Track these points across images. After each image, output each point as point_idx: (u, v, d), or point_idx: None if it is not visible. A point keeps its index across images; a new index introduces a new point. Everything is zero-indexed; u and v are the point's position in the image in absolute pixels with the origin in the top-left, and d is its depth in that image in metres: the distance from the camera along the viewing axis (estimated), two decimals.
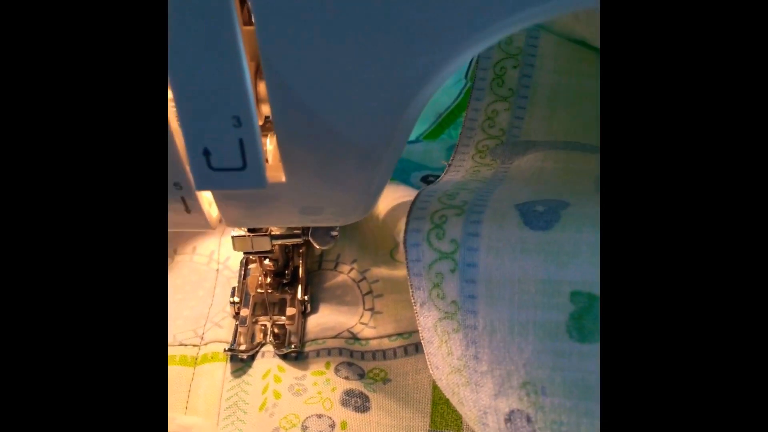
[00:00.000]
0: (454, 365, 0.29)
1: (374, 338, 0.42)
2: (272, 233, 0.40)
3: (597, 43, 0.38)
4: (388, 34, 0.20)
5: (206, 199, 0.27)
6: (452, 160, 0.39)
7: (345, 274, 0.46)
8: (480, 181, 0.34)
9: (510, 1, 0.19)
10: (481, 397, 0.29)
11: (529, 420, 0.27)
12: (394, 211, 0.47)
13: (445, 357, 0.29)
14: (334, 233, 0.40)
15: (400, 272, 0.45)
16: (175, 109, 0.21)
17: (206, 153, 0.22)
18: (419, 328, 0.30)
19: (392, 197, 0.48)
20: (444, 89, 0.55)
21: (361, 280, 0.45)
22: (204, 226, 0.27)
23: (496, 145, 0.38)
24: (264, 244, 0.40)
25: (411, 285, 0.29)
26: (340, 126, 0.23)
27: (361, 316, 0.43)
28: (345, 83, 0.22)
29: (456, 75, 0.55)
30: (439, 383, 0.30)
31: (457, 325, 0.28)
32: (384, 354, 0.41)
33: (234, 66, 0.20)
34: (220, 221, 0.29)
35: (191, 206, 0.26)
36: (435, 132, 0.54)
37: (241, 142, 0.22)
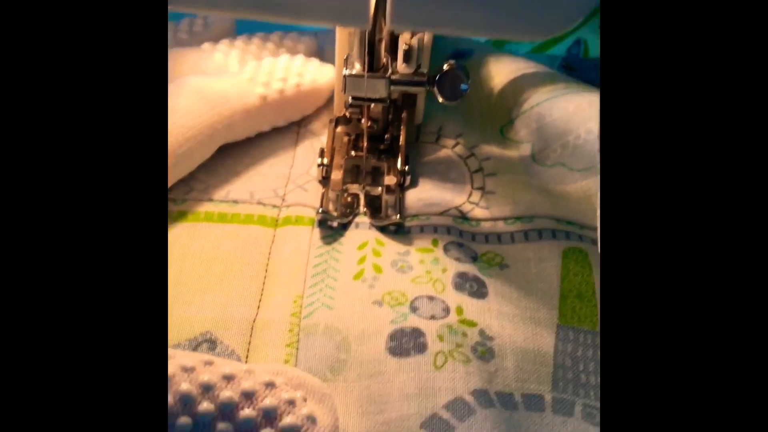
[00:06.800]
0: None
1: (487, 219, 0.36)
2: (392, 77, 0.33)
3: None
4: None
5: None
6: None
7: (449, 149, 0.39)
8: None
9: None
10: None
11: None
12: (513, 83, 0.41)
13: None
14: (464, 86, 0.33)
15: (513, 152, 0.39)
16: None
17: None
18: None
19: (510, 69, 0.41)
20: None
21: (468, 157, 0.39)
22: None
23: None
24: (379, 88, 0.33)
25: None
26: None
27: (470, 195, 0.37)
28: None
29: None
30: None
31: None
32: (499, 237, 0.35)
33: None
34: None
35: None
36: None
37: None
